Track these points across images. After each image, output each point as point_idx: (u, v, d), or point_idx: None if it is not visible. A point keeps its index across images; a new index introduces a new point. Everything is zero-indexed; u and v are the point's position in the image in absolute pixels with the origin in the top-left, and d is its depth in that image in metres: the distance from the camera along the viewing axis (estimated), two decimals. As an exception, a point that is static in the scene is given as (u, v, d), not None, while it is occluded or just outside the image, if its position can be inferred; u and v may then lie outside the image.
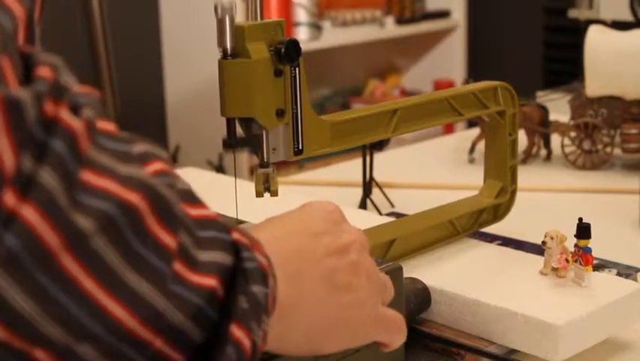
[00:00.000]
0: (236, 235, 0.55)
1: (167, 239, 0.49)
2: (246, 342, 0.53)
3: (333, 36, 3.18)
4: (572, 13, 2.28)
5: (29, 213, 0.43)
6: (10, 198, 0.43)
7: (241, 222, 0.94)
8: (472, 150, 1.55)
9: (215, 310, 0.52)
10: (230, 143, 0.85)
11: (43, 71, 0.47)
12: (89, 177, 0.46)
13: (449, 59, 3.57)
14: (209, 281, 0.51)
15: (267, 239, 0.59)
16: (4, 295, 0.44)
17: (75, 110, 0.47)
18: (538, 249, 0.98)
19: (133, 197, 0.47)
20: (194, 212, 0.52)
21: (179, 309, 0.50)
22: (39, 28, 0.58)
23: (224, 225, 0.55)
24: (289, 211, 0.65)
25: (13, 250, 0.43)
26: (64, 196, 0.44)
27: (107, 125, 0.49)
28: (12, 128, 0.43)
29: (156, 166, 0.50)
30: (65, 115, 0.46)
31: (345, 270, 0.63)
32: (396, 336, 0.69)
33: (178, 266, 0.50)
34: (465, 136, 1.73)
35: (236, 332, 0.53)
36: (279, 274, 0.58)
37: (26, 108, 0.44)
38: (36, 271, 0.44)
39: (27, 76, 0.47)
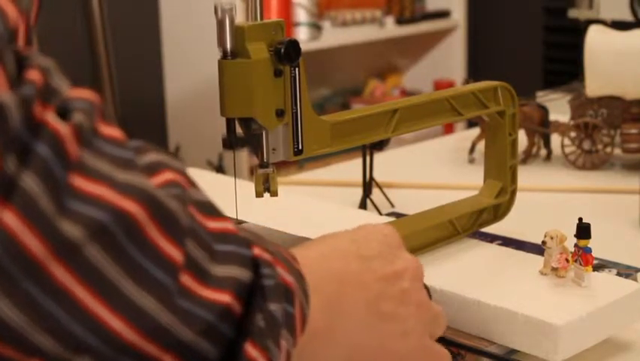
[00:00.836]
0: (257, 251, 0.53)
1: (172, 250, 0.47)
2: None
3: (333, 36, 3.18)
4: (572, 13, 2.28)
5: (10, 219, 0.42)
6: None
7: (241, 222, 0.94)
8: (472, 150, 1.55)
9: (230, 327, 0.50)
10: (230, 143, 0.85)
11: (32, 75, 0.45)
12: (79, 182, 0.44)
13: (449, 59, 3.57)
14: (223, 297, 0.49)
15: (313, 257, 0.57)
16: None
17: (64, 114, 0.46)
18: (538, 249, 0.98)
19: (129, 205, 0.45)
20: (212, 225, 0.50)
21: (187, 325, 0.48)
22: (36, 29, 0.58)
23: (245, 239, 0.52)
24: (345, 230, 0.63)
25: None
26: (49, 202, 0.43)
27: (110, 131, 0.47)
28: None
29: (166, 176, 0.48)
30: (51, 119, 0.44)
31: (393, 298, 0.60)
32: None
33: (186, 279, 0.48)
34: (465, 136, 1.73)
35: (251, 351, 0.50)
36: (318, 295, 0.56)
37: (9, 112, 0.43)
38: (22, 280, 0.43)
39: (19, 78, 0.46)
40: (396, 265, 0.62)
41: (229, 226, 0.52)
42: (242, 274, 0.51)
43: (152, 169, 0.48)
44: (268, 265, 0.53)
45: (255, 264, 0.52)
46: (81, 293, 0.44)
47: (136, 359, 0.47)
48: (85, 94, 0.48)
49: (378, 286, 0.60)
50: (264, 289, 0.52)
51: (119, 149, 0.47)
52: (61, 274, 0.43)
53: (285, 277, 0.54)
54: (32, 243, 0.42)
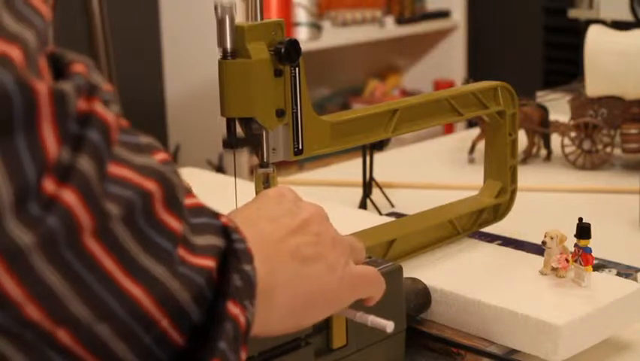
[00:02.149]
0: (224, 220, 0.58)
1: (174, 224, 0.52)
2: (242, 319, 0.55)
3: (333, 36, 3.18)
4: (572, 13, 2.28)
5: (69, 196, 0.46)
6: (50, 185, 0.46)
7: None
8: (472, 150, 1.55)
9: (211, 291, 0.54)
10: (230, 143, 0.85)
11: (79, 67, 0.50)
12: (111, 167, 0.49)
13: (449, 59, 3.57)
14: (208, 262, 0.54)
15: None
16: (42, 275, 0.45)
17: (106, 104, 0.50)
18: (538, 249, 0.98)
19: (150, 185, 0.50)
20: (187, 201, 0.55)
21: (187, 289, 0.52)
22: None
23: (213, 211, 0.58)
24: (245, 203, 0.68)
25: (53, 230, 0.45)
26: (99, 183, 0.47)
27: (121, 120, 0.52)
28: (57, 119, 0.46)
29: (161, 155, 0.53)
30: (100, 108, 0.49)
31: (310, 242, 0.65)
32: (374, 288, 0.70)
33: (181, 249, 0.52)
34: (465, 136, 1.73)
35: (233, 308, 0.55)
36: (257, 259, 0.60)
37: (70, 100, 0.47)
38: (67, 252, 0.46)
39: (57, 75, 0.49)
40: (302, 215, 0.66)
41: (198, 201, 0.57)
42: (217, 241, 0.56)
43: (150, 149, 0.53)
44: (236, 231, 0.58)
45: (225, 231, 0.57)
46: (109, 265, 0.48)
47: (143, 325, 0.51)
48: (108, 87, 0.52)
49: (294, 237, 0.65)
50: (237, 252, 0.57)
51: (127, 135, 0.51)
52: (93, 246, 0.47)
53: (247, 242, 0.58)
54: (83, 217, 0.46)
